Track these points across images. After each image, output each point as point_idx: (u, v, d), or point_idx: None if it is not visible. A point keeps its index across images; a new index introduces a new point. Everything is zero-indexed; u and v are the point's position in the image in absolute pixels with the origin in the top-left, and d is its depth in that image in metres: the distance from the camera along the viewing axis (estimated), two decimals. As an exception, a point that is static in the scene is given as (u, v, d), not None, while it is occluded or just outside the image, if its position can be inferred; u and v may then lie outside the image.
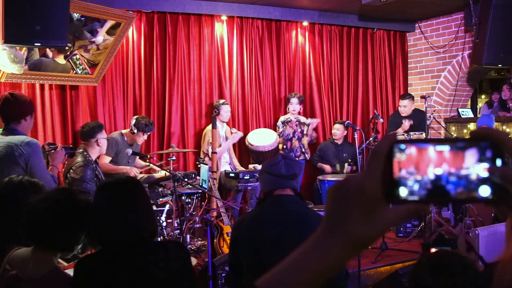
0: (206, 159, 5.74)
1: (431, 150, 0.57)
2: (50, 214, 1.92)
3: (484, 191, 0.55)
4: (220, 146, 5.77)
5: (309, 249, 0.61)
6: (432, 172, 0.56)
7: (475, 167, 0.56)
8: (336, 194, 0.60)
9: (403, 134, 5.98)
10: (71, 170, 4.20)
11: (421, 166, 0.56)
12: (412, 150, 0.57)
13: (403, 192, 0.57)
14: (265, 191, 2.47)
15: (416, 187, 0.56)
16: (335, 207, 0.60)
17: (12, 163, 3.17)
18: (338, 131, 6.52)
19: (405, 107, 6.50)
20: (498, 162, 0.55)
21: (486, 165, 0.56)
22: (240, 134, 6.08)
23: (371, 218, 0.57)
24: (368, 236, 0.58)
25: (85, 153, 4.27)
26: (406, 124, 6.38)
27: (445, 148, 0.56)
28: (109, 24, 5.23)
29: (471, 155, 0.56)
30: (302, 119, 6.48)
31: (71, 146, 4.07)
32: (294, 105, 6.37)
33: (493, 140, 0.56)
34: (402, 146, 0.57)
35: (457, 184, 0.56)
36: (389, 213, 0.57)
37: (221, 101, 6.02)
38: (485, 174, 0.56)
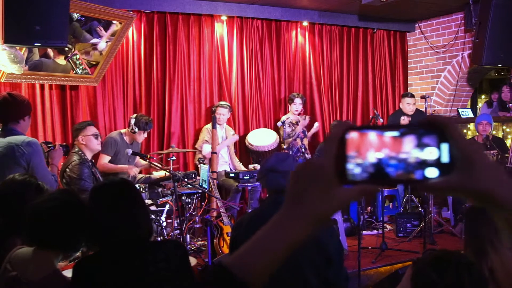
0: (200, 155, 5.76)
1: (373, 136, 0.61)
2: (56, 214, 1.93)
3: (431, 172, 0.59)
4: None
5: (276, 225, 0.67)
6: (373, 156, 0.61)
7: (413, 151, 0.60)
8: (298, 174, 0.66)
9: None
10: (67, 169, 4.20)
11: (363, 151, 0.61)
12: (355, 135, 0.62)
13: (348, 175, 0.62)
14: (275, 189, 2.40)
15: (358, 170, 0.61)
16: (297, 185, 0.66)
17: (12, 163, 3.16)
18: None
19: (409, 104, 6.51)
20: (444, 146, 0.59)
21: (433, 149, 0.59)
22: (236, 137, 6.09)
23: (327, 196, 0.63)
24: (325, 212, 0.64)
25: (80, 152, 4.28)
26: (406, 121, 6.39)
27: (386, 134, 0.61)
28: (110, 31, 5.24)
29: (409, 141, 0.60)
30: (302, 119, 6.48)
31: (65, 144, 4.08)
32: (297, 105, 6.36)
33: (440, 126, 0.59)
34: (348, 132, 0.62)
35: (397, 167, 0.60)
36: (343, 192, 0.63)
37: (220, 103, 6.02)
38: (427, 157, 0.59)
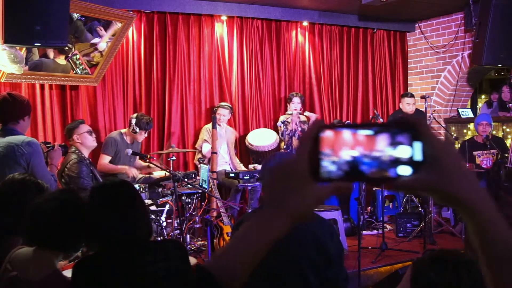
0: (200, 155, 5.76)
1: (347, 134, 0.62)
2: (56, 214, 1.93)
3: (405, 170, 0.60)
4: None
5: (253, 225, 0.69)
6: (348, 154, 0.61)
7: (386, 149, 0.60)
8: (274, 173, 0.68)
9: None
10: (65, 169, 4.21)
11: (337, 149, 0.62)
12: (329, 134, 0.62)
13: (322, 172, 0.62)
14: None
15: (332, 167, 0.62)
16: (274, 185, 0.68)
17: (13, 163, 3.17)
18: None
19: (408, 104, 6.51)
20: (417, 145, 0.60)
21: (406, 147, 0.60)
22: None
23: (302, 194, 0.64)
24: (301, 210, 0.66)
25: (76, 151, 4.29)
26: None
27: (360, 133, 0.61)
28: (110, 32, 5.25)
29: (382, 139, 0.61)
30: (302, 118, 6.47)
31: (64, 144, 4.10)
32: (296, 104, 6.36)
33: (412, 126, 0.61)
34: (322, 131, 0.63)
35: (371, 164, 0.61)
36: (318, 190, 0.64)
37: (221, 103, 6.02)
38: (401, 155, 0.60)
